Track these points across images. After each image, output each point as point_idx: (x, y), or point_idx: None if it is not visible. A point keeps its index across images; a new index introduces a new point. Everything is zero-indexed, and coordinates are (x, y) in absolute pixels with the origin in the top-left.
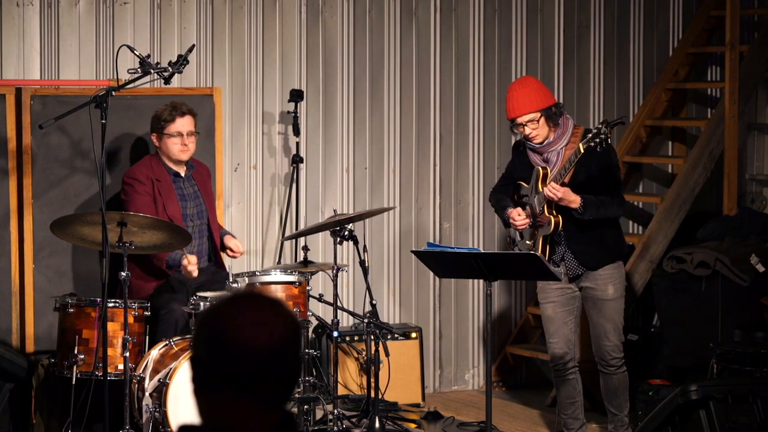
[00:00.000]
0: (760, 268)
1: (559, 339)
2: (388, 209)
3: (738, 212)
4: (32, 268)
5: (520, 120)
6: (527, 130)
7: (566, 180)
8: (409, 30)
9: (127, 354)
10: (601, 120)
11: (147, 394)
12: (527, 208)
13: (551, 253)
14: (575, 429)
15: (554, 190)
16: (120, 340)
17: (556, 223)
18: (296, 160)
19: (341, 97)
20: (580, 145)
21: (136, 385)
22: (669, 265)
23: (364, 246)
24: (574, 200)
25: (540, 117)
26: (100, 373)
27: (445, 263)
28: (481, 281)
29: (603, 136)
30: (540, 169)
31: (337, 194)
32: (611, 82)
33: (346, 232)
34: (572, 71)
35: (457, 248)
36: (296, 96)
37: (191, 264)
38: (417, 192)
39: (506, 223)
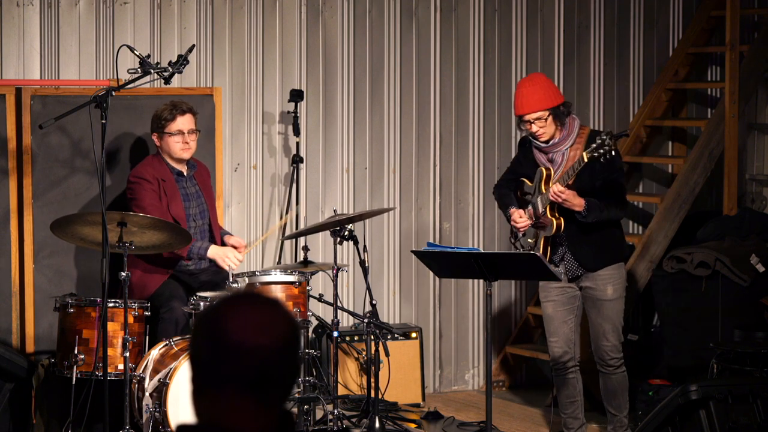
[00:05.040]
0: (760, 268)
1: (558, 338)
2: (388, 210)
3: (738, 212)
4: (32, 268)
5: (528, 117)
6: (534, 128)
7: (570, 183)
8: (409, 30)
9: (127, 354)
10: (605, 129)
11: (147, 394)
12: (529, 207)
13: (552, 253)
14: (575, 429)
15: (559, 193)
16: (120, 340)
17: (558, 226)
18: (296, 160)
19: (341, 97)
20: (584, 154)
21: (136, 385)
22: (669, 265)
23: (364, 246)
24: (578, 203)
25: (548, 115)
26: (100, 373)
27: (445, 263)
28: (481, 281)
29: (607, 148)
30: (544, 170)
31: (337, 194)
32: (611, 82)
33: (346, 232)
34: (572, 71)
35: (457, 248)
36: (296, 96)
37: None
38: (417, 192)
39: (509, 218)
